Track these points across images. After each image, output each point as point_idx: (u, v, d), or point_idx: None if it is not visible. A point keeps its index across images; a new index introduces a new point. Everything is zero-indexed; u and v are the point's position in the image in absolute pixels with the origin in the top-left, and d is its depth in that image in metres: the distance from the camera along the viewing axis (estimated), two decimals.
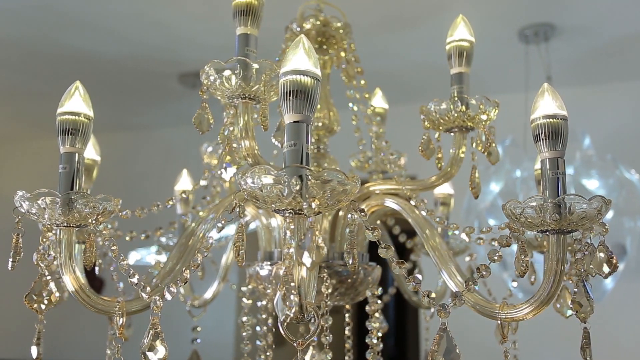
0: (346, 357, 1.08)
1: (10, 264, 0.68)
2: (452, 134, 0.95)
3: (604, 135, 3.23)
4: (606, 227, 0.70)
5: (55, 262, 0.74)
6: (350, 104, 1.13)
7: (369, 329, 0.95)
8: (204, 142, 1.27)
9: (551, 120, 0.73)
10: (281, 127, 0.94)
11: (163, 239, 1.28)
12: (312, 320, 0.59)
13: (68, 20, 2.75)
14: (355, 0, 2.52)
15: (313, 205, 0.52)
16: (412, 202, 0.93)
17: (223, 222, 0.60)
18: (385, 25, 2.78)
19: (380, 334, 1.22)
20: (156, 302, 0.62)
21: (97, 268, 1.06)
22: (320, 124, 1.07)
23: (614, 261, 0.68)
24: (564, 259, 0.71)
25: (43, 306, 0.77)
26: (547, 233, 0.71)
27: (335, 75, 1.17)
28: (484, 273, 0.66)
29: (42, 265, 0.73)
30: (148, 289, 0.64)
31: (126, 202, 1.03)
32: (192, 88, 3.48)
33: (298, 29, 1.09)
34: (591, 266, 0.70)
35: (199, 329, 1.18)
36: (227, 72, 0.77)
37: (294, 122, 0.59)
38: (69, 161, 0.74)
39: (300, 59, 0.61)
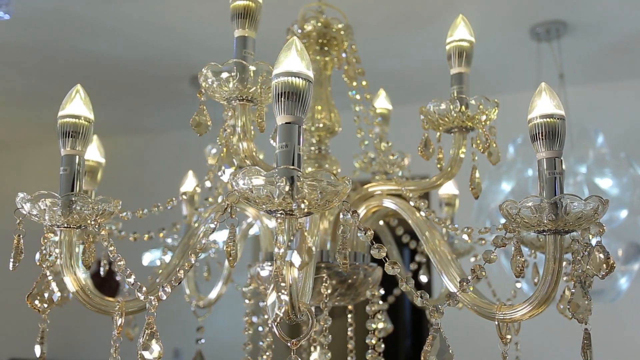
0: (348, 358, 1.08)
1: (11, 264, 0.69)
2: (452, 134, 0.95)
3: (618, 133, 3.19)
4: (603, 227, 0.69)
5: (57, 262, 0.76)
6: (353, 105, 1.13)
7: (369, 329, 0.95)
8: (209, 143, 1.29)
9: (548, 120, 0.73)
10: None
11: (169, 240, 1.30)
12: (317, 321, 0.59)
13: (82, 25, 2.79)
14: (365, 0, 2.53)
15: (302, 206, 0.52)
16: (412, 203, 0.93)
17: (216, 223, 0.61)
18: (395, 24, 2.77)
19: (382, 335, 1.22)
20: (151, 302, 0.63)
21: (102, 269, 1.08)
22: (321, 125, 1.07)
23: (611, 262, 0.67)
24: (561, 260, 0.70)
25: (46, 305, 0.78)
26: (544, 233, 0.70)
27: (338, 76, 1.17)
28: (479, 274, 0.66)
29: (43, 265, 0.75)
30: (144, 289, 0.65)
31: (138, 204, 1.05)
32: None
33: (299, 30, 1.10)
34: (588, 267, 0.69)
35: (201, 329, 1.18)
36: (224, 75, 0.78)
37: (286, 123, 0.59)
38: (70, 163, 0.75)
39: (293, 61, 0.61)
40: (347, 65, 1.11)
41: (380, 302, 1.05)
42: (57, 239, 0.74)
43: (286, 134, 0.59)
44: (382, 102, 1.38)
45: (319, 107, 1.09)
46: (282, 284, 0.53)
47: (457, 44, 0.95)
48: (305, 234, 0.52)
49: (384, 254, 0.60)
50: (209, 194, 1.16)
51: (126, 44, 3.01)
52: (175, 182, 1.40)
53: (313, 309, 1.00)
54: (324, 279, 0.91)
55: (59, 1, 2.58)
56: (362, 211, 0.97)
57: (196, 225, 0.98)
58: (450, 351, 0.63)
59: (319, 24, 1.10)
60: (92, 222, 0.71)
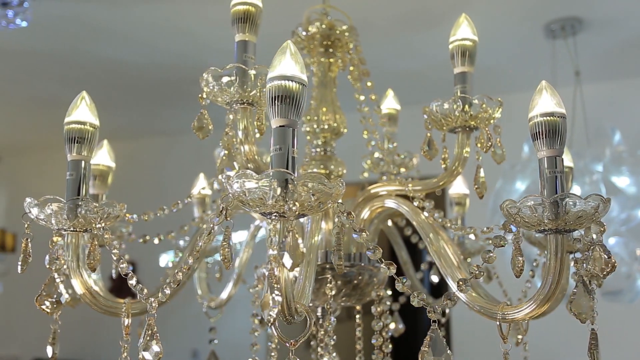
0: (357, 359, 1.08)
1: (19, 267, 0.71)
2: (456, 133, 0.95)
3: (635, 131, 3.13)
4: (604, 226, 0.68)
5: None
6: (359, 106, 1.13)
7: (375, 330, 0.95)
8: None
9: (549, 118, 0.72)
10: None
11: (181, 242, 1.32)
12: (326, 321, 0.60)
13: (98, 31, 2.85)
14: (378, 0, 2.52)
15: (294, 208, 0.53)
16: (415, 203, 0.93)
17: (212, 226, 0.62)
18: (408, 23, 2.76)
19: (394, 335, 1.22)
20: (151, 303, 0.64)
21: (113, 271, 1.10)
22: (326, 127, 1.08)
23: (612, 261, 0.67)
24: (562, 259, 0.70)
25: (55, 306, 0.80)
26: (545, 233, 0.70)
27: (346, 78, 1.17)
28: (477, 274, 0.66)
29: (52, 268, 0.77)
30: (145, 290, 0.66)
31: (158, 205, 1.07)
32: None
33: (304, 32, 1.11)
34: (589, 267, 0.68)
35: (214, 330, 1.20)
36: (225, 79, 0.79)
37: (280, 126, 0.60)
38: (76, 168, 0.77)
39: (287, 65, 0.62)
40: (351, 66, 1.11)
41: (389, 302, 1.06)
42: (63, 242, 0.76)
43: (280, 137, 0.59)
44: (390, 103, 1.38)
45: (324, 109, 1.09)
46: (275, 285, 0.54)
47: (460, 43, 0.95)
48: (297, 235, 0.53)
49: (379, 255, 0.61)
50: (219, 196, 1.17)
51: (142, 48, 3.06)
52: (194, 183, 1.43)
53: (320, 309, 1.01)
54: (329, 280, 0.91)
55: (75, 8, 2.63)
56: (365, 212, 0.97)
57: (204, 226, 0.99)
58: (448, 351, 0.63)
59: (324, 26, 1.10)
60: (98, 226, 0.73)
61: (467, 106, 0.91)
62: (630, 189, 2.32)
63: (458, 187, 1.37)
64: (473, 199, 1.39)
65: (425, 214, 0.91)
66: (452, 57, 0.96)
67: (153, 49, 3.06)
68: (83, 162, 0.77)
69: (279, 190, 0.54)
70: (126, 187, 4.57)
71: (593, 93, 3.08)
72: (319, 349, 1.01)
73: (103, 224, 0.71)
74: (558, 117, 0.72)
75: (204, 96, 0.82)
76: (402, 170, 1.08)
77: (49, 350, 0.84)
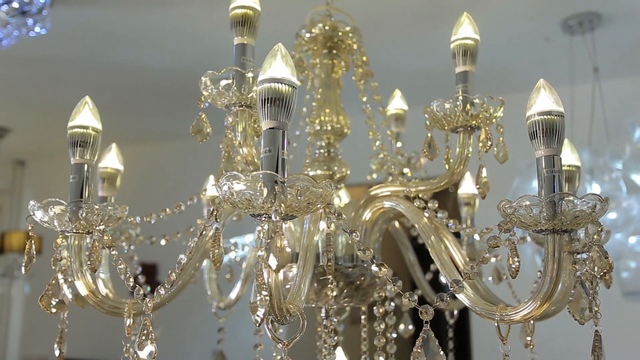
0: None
1: (23, 268, 0.73)
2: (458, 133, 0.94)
3: None
4: (601, 226, 0.67)
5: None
6: (364, 107, 1.13)
7: (377, 331, 0.95)
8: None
9: (547, 117, 0.71)
10: None
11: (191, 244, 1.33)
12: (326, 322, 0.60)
13: (116, 37, 2.90)
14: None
15: (280, 209, 0.53)
16: (416, 204, 0.92)
17: (202, 227, 0.62)
18: (422, 21, 2.74)
19: (404, 336, 1.21)
20: (147, 304, 0.66)
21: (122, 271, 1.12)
22: (329, 128, 1.08)
23: (610, 261, 0.65)
24: (560, 259, 0.69)
25: (60, 306, 0.82)
26: (542, 233, 0.69)
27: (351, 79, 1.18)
28: (471, 275, 0.65)
29: (56, 269, 0.79)
30: (142, 291, 0.68)
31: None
32: None
33: (307, 34, 1.11)
34: (587, 268, 0.67)
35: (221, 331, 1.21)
36: (223, 82, 0.80)
37: (270, 128, 0.60)
38: (79, 171, 0.79)
39: (277, 67, 0.62)
40: (355, 67, 1.11)
41: (393, 303, 1.05)
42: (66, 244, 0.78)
43: (270, 139, 0.60)
44: (397, 103, 1.38)
45: (328, 110, 1.09)
46: (264, 285, 0.55)
47: (461, 42, 0.95)
48: (283, 236, 0.53)
49: (370, 256, 0.61)
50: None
51: (159, 53, 3.10)
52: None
53: (323, 310, 1.02)
54: (330, 281, 0.91)
55: (93, 15, 2.68)
56: (367, 213, 0.97)
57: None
58: (441, 353, 0.62)
59: (326, 28, 1.10)
60: (98, 228, 0.75)
61: (468, 106, 0.90)
62: None
63: (467, 187, 1.36)
64: (487, 199, 1.37)
65: (426, 214, 0.90)
66: (453, 57, 0.95)
67: (169, 53, 3.10)
68: (86, 166, 0.79)
69: (265, 192, 0.54)
70: (145, 190, 4.65)
71: (612, 89, 3.01)
72: (323, 350, 1.02)
73: (103, 226, 0.73)
74: (556, 115, 0.71)
75: (203, 99, 0.83)
76: (406, 170, 1.07)
77: (56, 350, 0.86)
